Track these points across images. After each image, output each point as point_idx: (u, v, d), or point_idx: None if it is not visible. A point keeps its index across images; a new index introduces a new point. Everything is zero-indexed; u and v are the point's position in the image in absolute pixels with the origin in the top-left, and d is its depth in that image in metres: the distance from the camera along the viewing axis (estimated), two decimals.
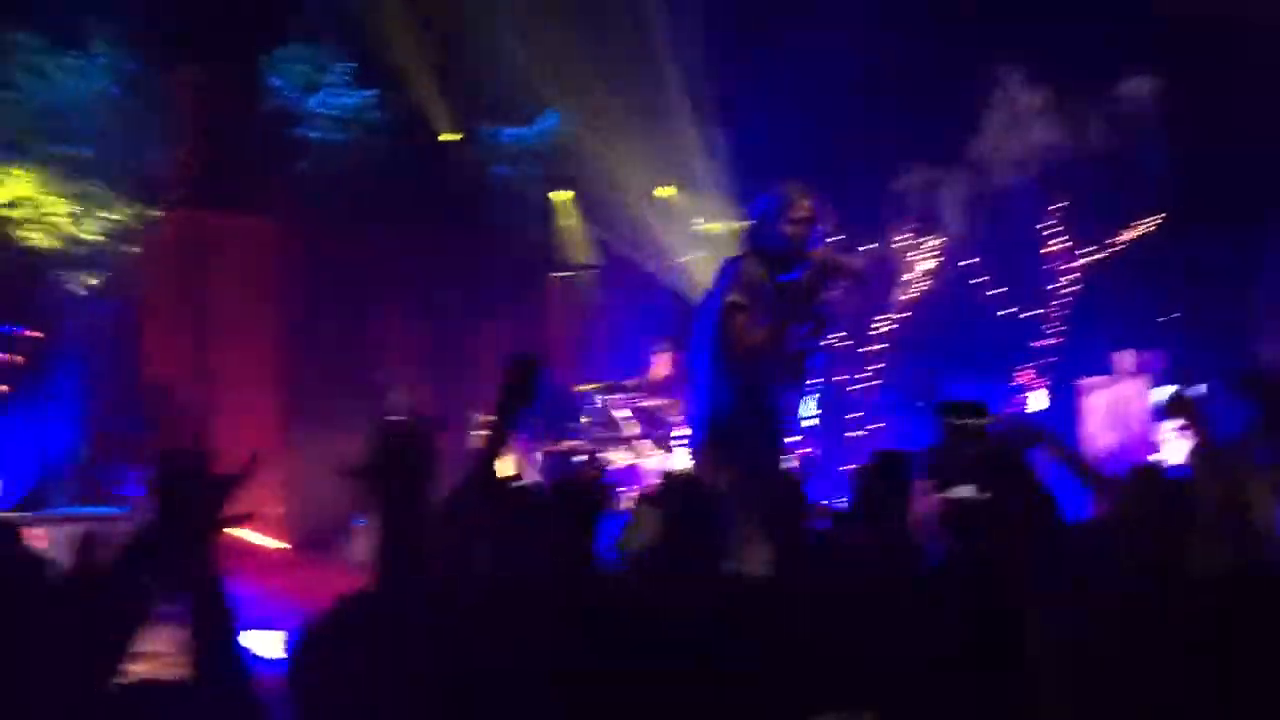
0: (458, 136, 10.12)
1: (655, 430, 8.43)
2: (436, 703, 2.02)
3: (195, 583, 2.11)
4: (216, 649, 2.04)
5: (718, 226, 10.51)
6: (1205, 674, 2.09)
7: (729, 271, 4.58)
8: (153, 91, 8.37)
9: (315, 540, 8.17)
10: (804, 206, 4.59)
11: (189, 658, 2.04)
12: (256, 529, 8.06)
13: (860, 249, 10.01)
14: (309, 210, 9.46)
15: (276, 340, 9.65)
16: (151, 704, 1.96)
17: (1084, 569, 2.83)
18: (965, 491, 4.29)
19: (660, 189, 10.74)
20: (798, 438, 8.07)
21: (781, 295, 4.56)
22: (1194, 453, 4.09)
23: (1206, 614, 2.17)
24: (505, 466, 8.83)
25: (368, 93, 9.45)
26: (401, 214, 9.68)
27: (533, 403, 2.32)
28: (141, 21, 8.25)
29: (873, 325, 10.29)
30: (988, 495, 3.46)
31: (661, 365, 9.04)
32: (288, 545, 8.18)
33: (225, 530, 2.24)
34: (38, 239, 7.98)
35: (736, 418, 4.54)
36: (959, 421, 3.60)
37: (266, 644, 4.81)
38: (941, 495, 4.16)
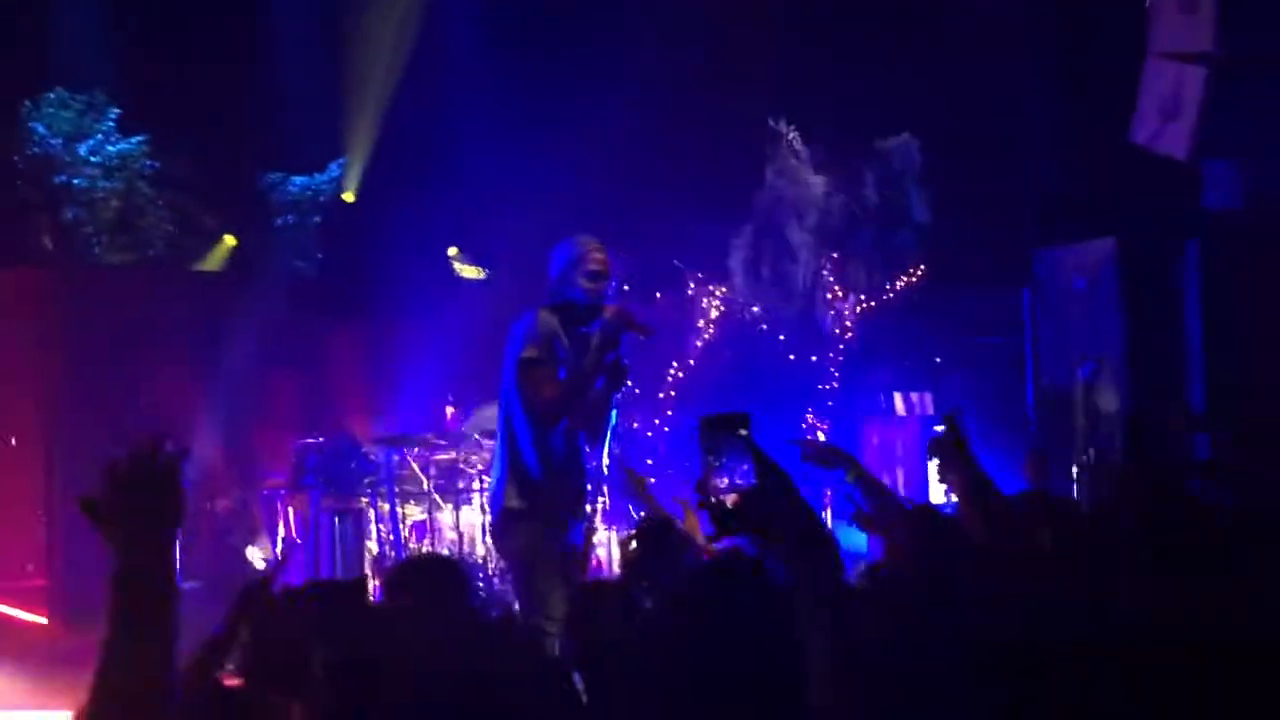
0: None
1: (452, 483, 8.30)
2: None
3: None
4: None
5: (477, 271, 10.59)
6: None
7: (522, 327, 4.60)
8: None
9: (81, 614, 7.65)
10: (597, 260, 4.65)
11: None
12: (11, 603, 7.55)
13: (654, 297, 10.22)
14: (78, 260, 9.00)
15: (43, 397, 9.10)
16: None
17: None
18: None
19: (451, 249, 10.74)
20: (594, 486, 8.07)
21: (578, 349, 4.61)
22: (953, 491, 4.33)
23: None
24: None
25: (138, 139, 9.09)
26: (181, 262, 9.32)
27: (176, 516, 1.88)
28: None
29: (665, 372, 10.47)
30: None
31: (455, 416, 8.94)
32: (45, 620, 7.68)
33: None
34: None
35: (538, 472, 4.55)
36: (715, 433, 3.71)
37: None
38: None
